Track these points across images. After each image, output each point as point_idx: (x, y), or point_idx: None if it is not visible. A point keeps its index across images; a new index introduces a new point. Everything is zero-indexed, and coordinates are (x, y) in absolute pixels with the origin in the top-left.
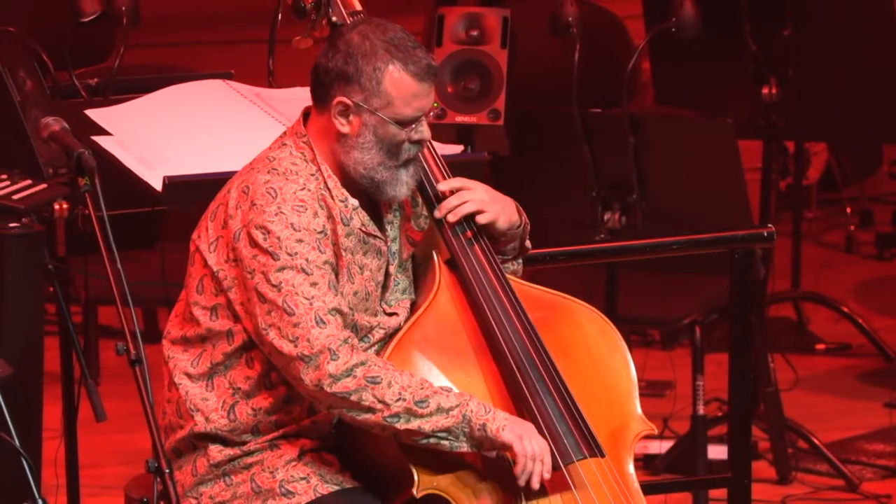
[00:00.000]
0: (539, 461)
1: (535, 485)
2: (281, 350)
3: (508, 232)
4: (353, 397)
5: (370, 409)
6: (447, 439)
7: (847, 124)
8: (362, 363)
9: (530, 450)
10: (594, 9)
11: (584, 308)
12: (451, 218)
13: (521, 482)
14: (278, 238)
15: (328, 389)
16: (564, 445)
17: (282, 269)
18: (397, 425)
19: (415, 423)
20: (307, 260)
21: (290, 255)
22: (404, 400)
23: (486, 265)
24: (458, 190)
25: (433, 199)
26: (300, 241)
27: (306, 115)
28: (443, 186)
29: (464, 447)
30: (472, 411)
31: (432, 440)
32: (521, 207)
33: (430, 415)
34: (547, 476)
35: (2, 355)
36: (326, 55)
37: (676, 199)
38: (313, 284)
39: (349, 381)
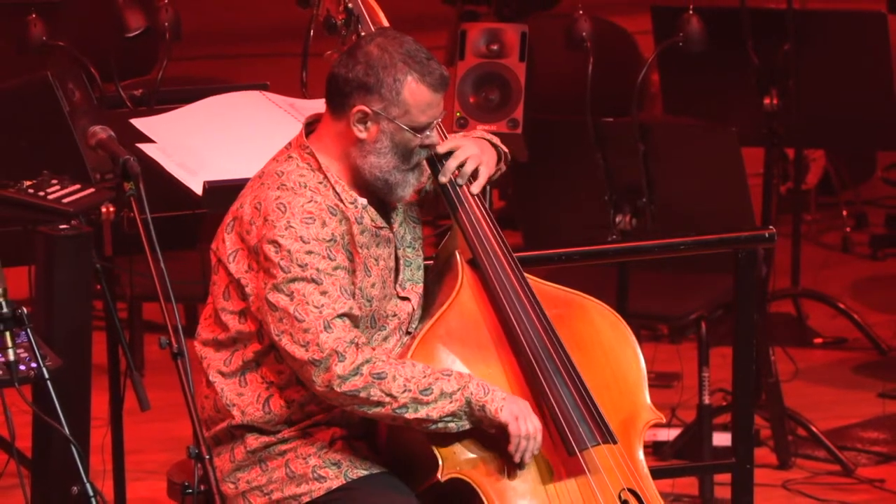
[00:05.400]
0: (532, 439)
1: (528, 461)
2: (294, 355)
3: (496, 176)
4: (363, 394)
5: (379, 403)
6: (453, 421)
7: (843, 133)
8: (367, 361)
9: (524, 429)
10: (607, 24)
11: (597, 305)
12: (460, 181)
13: (516, 459)
14: (289, 251)
15: (338, 389)
16: (579, 433)
17: (293, 280)
18: (407, 415)
19: (423, 412)
20: (318, 269)
21: (300, 266)
22: (409, 391)
23: (505, 265)
24: (455, 149)
25: (452, 196)
26: (309, 252)
27: (308, 124)
28: (442, 149)
29: (466, 426)
30: (472, 393)
31: (440, 425)
32: (494, 139)
33: (436, 401)
34: (536, 453)
35: (52, 348)
36: (346, 66)
37: (684, 203)
38: (323, 293)
39: (357, 379)
